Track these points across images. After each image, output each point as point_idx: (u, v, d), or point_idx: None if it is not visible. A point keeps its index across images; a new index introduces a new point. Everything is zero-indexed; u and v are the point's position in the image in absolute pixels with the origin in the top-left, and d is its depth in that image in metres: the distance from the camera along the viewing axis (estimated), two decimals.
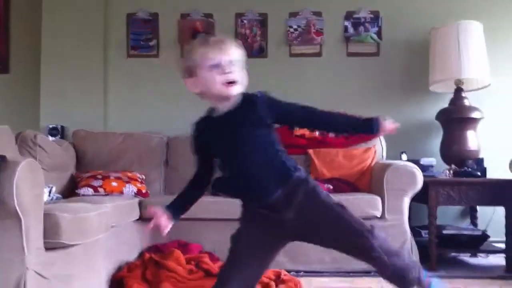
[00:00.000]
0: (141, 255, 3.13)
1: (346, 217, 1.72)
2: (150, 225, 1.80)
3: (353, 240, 1.69)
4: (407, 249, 3.24)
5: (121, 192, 3.42)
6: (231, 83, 1.68)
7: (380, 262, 1.68)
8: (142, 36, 4.34)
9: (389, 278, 1.72)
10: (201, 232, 3.33)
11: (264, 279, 2.78)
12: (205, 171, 1.88)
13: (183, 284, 2.77)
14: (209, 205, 3.36)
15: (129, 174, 3.60)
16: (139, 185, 3.55)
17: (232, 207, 3.26)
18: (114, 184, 3.45)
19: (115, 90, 4.35)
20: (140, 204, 3.33)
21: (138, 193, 3.50)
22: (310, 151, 3.87)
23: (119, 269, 2.90)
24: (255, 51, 4.30)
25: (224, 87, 1.68)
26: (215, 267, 2.91)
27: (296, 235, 1.80)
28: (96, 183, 3.44)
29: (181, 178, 3.83)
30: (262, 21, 4.32)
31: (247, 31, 4.31)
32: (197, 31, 4.32)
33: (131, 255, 3.12)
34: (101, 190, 3.39)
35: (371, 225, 1.72)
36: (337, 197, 3.20)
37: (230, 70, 1.67)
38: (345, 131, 1.80)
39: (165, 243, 3.25)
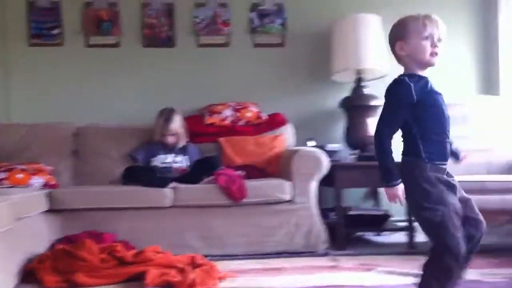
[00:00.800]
0: (52, 246, 3.05)
1: None
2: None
3: None
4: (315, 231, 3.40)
5: (28, 184, 3.29)
6: (435, 54, 1.95)
7: None
8: (44, 24, 4.19)
9: None
10: (114, 221, 3.29)
11: (179, 264, 2.79)
12: (396, 131, 1.97)
13: (97, 273, 2.73)
14: (121, 194, 3.36)
15: (36, 166, 3.47)
16: (47, 176, 3.43)
17: (143, 195, 3.31)
18: (20, 176, 3.31)
19: (17, 80, 4.17)
20: (50, 195, 3.23)
21: (47, 184, 3.38)
22: (221, 139, 3.93)
23: (30, 261, 2.80)
24: (163, 40, 4.28)
25: (430, 56, 1.95)
26: (128, 255, 2.89)
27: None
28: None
29: (91, 167, 3.82)
30: (169, 11, 4.30)
31: (154, 21, 4.28)
32: (101, 20, 4.24)
33: (42, 247, 3.02)
34: (5, 182, 3.24)
35: None
36: (249, 182, 3.35)
37: (438, 45, 1.94)
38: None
39: (76, 234, 3.18)
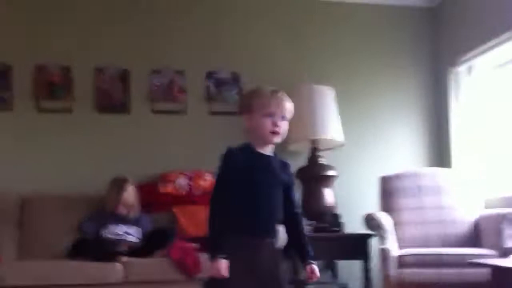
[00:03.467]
0: None
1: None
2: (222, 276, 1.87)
3: None
4: None
5: None
6: (276, 133, 1.96)
7: None
8: None
9: None
10: None
11: None
12: (229, 198, 1.96)
13: None
14: (68, 269, 3.21)
15: None
16: None
17: (92, 270, 3.15)
18: None
19: None
20: None
21: None
22: (175, 209, 3.82)
23: None
24: (117, 106, 4.20)
25: (270, 134, 1.97)
26: None
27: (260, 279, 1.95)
28: None
29: (35, 239, 3.62)
30: (124, 77, 4.24)
31: (108, 86, 4.21)
32: (53, 84, 4.13)
33: None
34: None
35: None
36: (204, 255, 3.24)
37: (279, 124, 1.97)
38: (294, 245, 2.11)
39: None
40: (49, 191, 3.86)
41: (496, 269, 2.74)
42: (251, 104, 2.02)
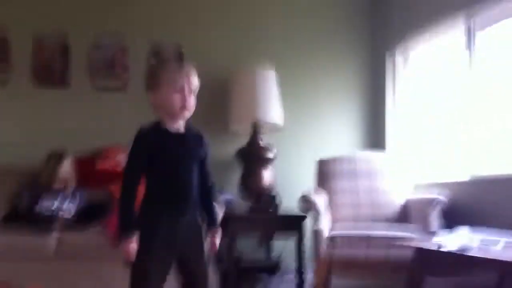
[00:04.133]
0: None
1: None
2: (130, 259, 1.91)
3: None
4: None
5: None
6: (186, 108, 1.96)
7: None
8: None
9: None
10: None
11: None
12: (138, 179, 1.97)
13: None
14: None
15: None
16: None
17: (24, 243, 3.11)
18: None
19: None
20: None
21: None
22: (112, 187, 3.78)
23: None
24: (56, 80, 4.13)
25: (180, 110, 1.96)
26: None
27: (179, 254, 2.01)
28: None
29: None
30: (64, 50, 4.16)
31: (47, 58, 4.12)
32: None
33: None
34: None
35: None
36: None
37: (188, 99, 1.96)
38: (204, 211, 2.15)
39: None
40: None
41: (419, 250, 2.87)
42: (158, 79, 1.99)
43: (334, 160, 4.06)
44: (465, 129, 3.71)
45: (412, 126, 4.38)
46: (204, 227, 2.10)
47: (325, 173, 4.03)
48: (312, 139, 4.56)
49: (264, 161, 4.10)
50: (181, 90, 1.96)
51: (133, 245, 1.89)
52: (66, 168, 3.64)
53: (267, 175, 4.12)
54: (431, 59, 4.22)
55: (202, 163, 2.10)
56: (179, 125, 2.03)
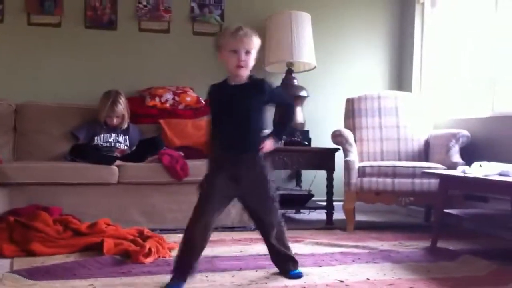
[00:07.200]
0: (2, 219, 3.16)
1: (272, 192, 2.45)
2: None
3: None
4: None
5: None
6: (241, 66, 2.29)
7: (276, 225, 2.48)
8: None
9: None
10: (58, 196, 3.44)
11: (129, 236, 3.05)
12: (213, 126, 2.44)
13: (53, 243, 2.91)
14: (66, 170, 3.51)
15: None
16: None
17: (91, 172, 3.49)
18: None
19: None
20: None
21: None
22: (162, 121, 4.16)
23: None
24: (105, 23, 4.42)
25: (236, 68, 2.31)
26: (82, 226, 3.10)
27: (241, 192, 2.41)
28: None
29: (30, 143, 3.93)
30: None
31: (97, 4, 4.41)
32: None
33: None
34: None
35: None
36: (190, 162, 3.61)
37: (243, 58, 2.29)
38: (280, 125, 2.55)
39: (23, 207, 3.31)
40: (41, 101, 4.13)
41: (444, 177, 3.20)
42: (220, 43, 2.36)
43: (361, 98, 4.35)
44: (489, 68, 3.97)
45: (437, 69, 4.65)
46: (268, 165, 2.45)
47: (353, 111, 4.34)
48: (342, 80, 4.87)
49: (297, 99, 4.40)
50: (236, 52, 2.29)
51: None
52: (123, 106, 3.95)
53: (300, 113, 4.44)
54: (458, 2, 4.43)
55: (272, 100, 2.44)
56: (240, 79, 2.37)
